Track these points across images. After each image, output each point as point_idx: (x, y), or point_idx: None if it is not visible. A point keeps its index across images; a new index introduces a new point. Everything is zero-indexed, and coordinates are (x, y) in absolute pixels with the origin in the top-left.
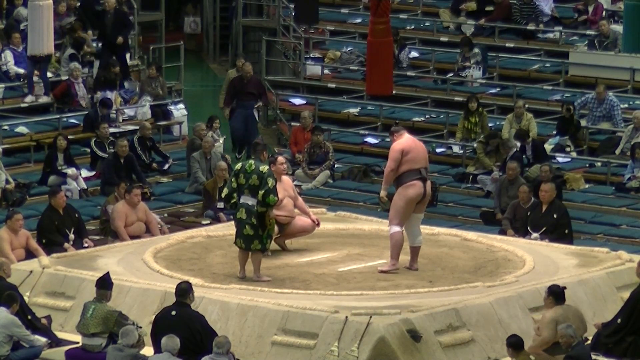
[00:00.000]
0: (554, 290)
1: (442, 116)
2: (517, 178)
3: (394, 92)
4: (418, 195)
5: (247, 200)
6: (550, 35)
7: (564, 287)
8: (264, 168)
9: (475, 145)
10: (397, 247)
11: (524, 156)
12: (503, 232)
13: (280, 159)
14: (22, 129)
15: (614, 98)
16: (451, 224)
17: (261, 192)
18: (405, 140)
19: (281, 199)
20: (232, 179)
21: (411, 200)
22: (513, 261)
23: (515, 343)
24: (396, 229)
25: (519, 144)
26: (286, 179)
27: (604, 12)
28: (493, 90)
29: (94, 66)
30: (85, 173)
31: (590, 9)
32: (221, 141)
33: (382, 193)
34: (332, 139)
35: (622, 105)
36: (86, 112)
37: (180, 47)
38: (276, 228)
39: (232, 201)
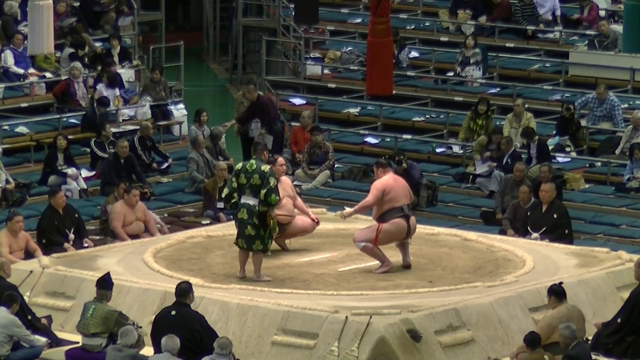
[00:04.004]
0: (554, 290)
1: (442, 116)
2: (524, 179)
3: (394, 92)
4: (401, 234)
5: (249, 200)
6: (550, 35)
7: (561, 282)
8: (266, 167)
9: (474, 144)
10: (376, 253)
11: (527, 155)
12: (503, 232)
13: (281, 160)
14: (22, 129)
15: (615, 98)
16: (451, 224)
17: (263, 191)
18: (386, 179)
19: (280, 199)
20: (233, 179)
21: (392, 237)
22: (513, 261)
23: (530, 339)
24: (363, 244)
25: (518, 145)
26: (285, 178)
27: (599, 12)
28: (493, 90)
29: None
30: (85, 173)
31: (586, 10)
32: (223, 138)
33: (349, 211)
34: (332, 139)
35: (622, 105)
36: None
37: (180, 47)
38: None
39: (233, 201)
